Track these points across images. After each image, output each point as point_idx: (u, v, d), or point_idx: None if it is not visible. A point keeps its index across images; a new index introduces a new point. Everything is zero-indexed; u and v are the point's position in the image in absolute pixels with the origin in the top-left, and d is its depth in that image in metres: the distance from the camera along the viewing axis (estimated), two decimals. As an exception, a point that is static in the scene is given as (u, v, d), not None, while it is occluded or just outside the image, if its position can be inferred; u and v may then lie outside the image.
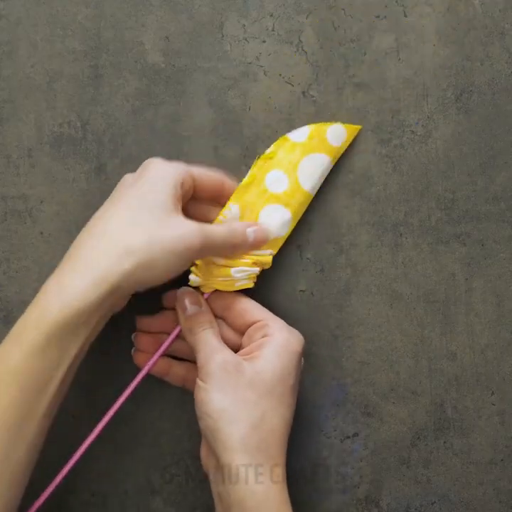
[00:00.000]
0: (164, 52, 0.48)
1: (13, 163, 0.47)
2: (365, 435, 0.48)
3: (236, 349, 0.43)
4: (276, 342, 0.41)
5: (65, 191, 0.47)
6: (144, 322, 0.46)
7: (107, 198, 0.47)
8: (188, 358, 0.46)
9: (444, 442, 0.48)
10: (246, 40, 0.48)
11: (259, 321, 0.43)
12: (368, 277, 0.48)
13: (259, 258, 0.44)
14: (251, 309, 0.44)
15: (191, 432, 0.47)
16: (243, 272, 0.44)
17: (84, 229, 0.41)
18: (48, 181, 0.47)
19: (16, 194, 0.47)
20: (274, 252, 0.45)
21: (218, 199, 0.45)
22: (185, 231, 0.40)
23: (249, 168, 0.47)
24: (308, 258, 0.48)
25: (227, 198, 0.45)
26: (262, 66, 0.48)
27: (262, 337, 0.42)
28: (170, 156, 0.47)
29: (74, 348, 0.38)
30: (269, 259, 0.45)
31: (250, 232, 0.43)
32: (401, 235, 0.48)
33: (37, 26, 0.48)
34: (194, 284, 0.44)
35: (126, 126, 0.48)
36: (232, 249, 0.43)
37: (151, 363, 0.43)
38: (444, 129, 0.48)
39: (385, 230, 0.48)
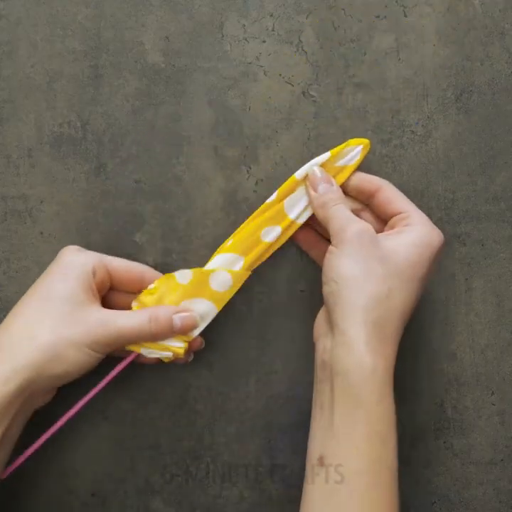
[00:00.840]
0: (164, 52, 0.48)
1: (13, 163, 0.47)
2: (365, 435, 0.48)
3: None
4: (416, 231, 0.41)
5: (65, 191, 0.47)
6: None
7: (107, 197, 0.47)
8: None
9: (444, 442, 0.48)
10: (246, 40, 0.48)
11: (402, 212, 0.43)
12: (368, 277, 0.48)
13: (170, 347, 0.43)
14: (396, 199, 0.43)
15: (191, 432, 0.47)
16: (152, 353, 0.43)
17: (2, 324, 0.41)
18: (48, 181, 0.47)
19: (16, 194, 0.47)
20: (186, 345, 0.43)
21: (139, 291, 0.44)
22: (91, 325, 0.40)
23: (249, 168, 0.48)
24: (308, 258, 0.48)
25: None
26: (262, 66, 0.48)
27: (404, 226, 0.42)
28: (170, 156, 0.47)
29: None
30: (181, 351, 0.43)
31: (177, 318, 0.42)
32: (401, 235, 0.48)
33: (37, 26, 0.48)
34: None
35: (126, 126, 0.48)
36: (154, 337, 0.42)
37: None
38: (444, 129, 0.48)
39: (385, 230, 0.48)
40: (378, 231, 0.43)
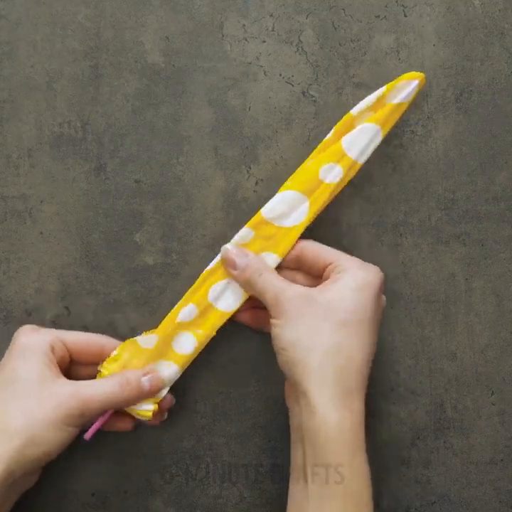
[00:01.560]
0: (164, 52, 0.48)
1: (13, 163, 0.47)
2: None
3: None
4: (349, 276, 0.41)
5: (65, 191, 0.47)
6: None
7: (107, 198, 0.47)
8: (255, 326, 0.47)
9: (444, 442, 0.48)
10: (246, 40, 0.48)
11: (331, 262, 0.43)
12: (368, 277, 0.48)
13: (139, 412, 0.43)
14: (321, 252, 0.43)
15: (191, 432, 0.47)
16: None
17: None
18: (48, 181, 0.47)
19: (16, 194, 0.47)
20: (155, 408, 0.44)
21: (99, 362, 0.44)
22: (62, 399, 0.39)
23: (249, 168, 0.48)
24: (308, 258, 0.48)
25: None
26: (262, 66, 0.48)
27: (337, 274, 0.42)
28: (170, 156, 0.47)
29: None
30: (149, 414, 0.43)
31: (145, 381, 0.42)
32: (401, 235, 0.48)
33: (37, 26, 0.48)
34: None
35: (126, 126, 0.48)
36: (126, 401, 0.42)
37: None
38: (444, 129, 0.48)
39: (385, 230, 0.48)
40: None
